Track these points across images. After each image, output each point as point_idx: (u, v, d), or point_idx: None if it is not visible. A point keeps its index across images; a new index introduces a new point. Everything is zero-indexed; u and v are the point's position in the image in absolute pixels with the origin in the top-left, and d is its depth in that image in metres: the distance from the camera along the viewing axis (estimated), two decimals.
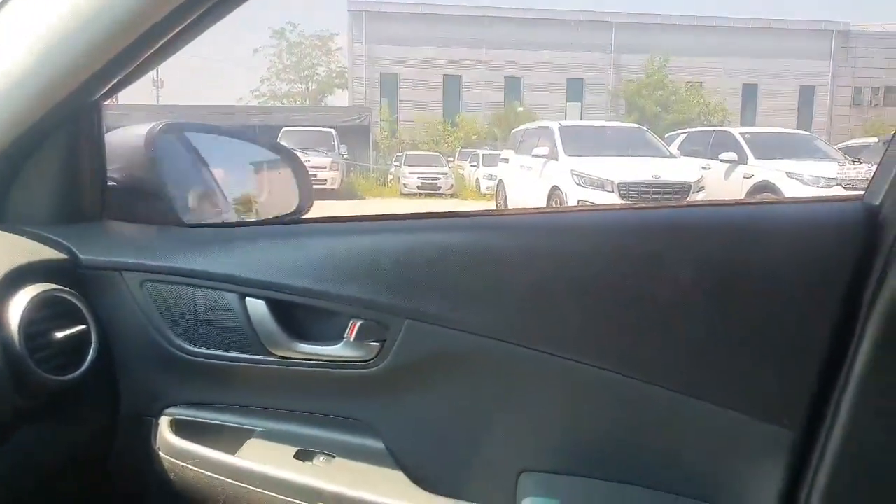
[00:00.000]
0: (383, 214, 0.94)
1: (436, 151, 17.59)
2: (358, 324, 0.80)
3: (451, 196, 13.83)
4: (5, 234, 0.77)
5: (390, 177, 16.10)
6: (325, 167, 11.90)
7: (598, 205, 3.50)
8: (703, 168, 7.90)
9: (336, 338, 0.81)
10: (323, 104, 23.32)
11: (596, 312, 0.78)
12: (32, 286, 0.71)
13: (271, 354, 0.81)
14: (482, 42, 23.12)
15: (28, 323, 0.68)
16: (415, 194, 13.54)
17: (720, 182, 7.93)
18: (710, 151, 8.44)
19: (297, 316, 0.82)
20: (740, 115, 23.50)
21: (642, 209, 0.87)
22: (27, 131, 0.75)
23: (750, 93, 24.38)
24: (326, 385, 0.83)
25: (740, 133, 8.57)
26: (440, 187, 13.96)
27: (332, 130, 14.00)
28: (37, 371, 0.68)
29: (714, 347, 0.77)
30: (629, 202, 6.18)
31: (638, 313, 0.77)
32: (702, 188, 7.26)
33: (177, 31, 0.73)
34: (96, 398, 0.80)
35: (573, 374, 0.78)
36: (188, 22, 0.72)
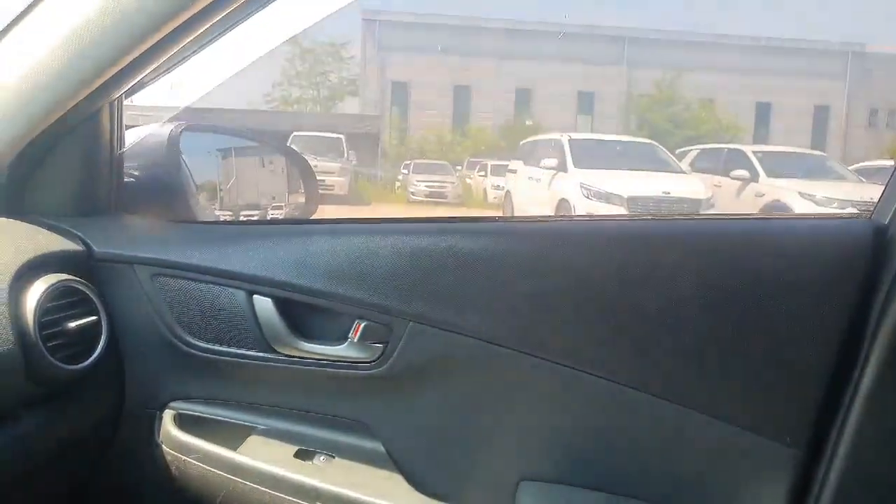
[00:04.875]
0: (391, 217, 0.95)
1: (444, 160, 17.63)
2: (362, 325, 0.80)
3: (459, 205, 13.88)
4: (25, 224, 0.79)
5: (398, 184, 16.15)
6: (334, 173, 11.94)
7: (605, 215, 3.50)
8: (715, 186, 7.88)
9: (340, 338, 0.82)
10: (333, 111, 23.42)
11: (600, 322, 0.78)
12: (48, 276, 0.72)
13: (276, 352, 0.81)
14: (494, 53, 23.19)
15: (43, 311, 0.69)
16: (422, 202, 13.59)
17: (731, 200, 7.91)
18: (721, 169, 8.42)
19: (303, 315, 0.83)
20: (753, 134, 23.40)
21: (649, 220, 0.87)
22: (50, 127, 0.77)
23: (763, 111, 24.30)
24: (329, 385, 0.83)
25: (752, 151, 8.55)
26: (447, 195, 14.03)
27: (342, 137, 14.08)
28: (49, 359, 0.69)
29: (718, 362, 0.76)
30: (637, 214, 6.17)
31: (642, 324, 0.77)
32: (712, 206, 7.24)
33: (194, 35, 0.74)
34: (103, 388, 0.81)
35: (576, 383, 0.78)
36: (205, 27, 0.73)
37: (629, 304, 0.78)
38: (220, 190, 1.24)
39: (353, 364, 0.81)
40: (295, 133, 13.66)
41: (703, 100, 22.45)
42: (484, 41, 23.01)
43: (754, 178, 7.91)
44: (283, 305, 0.81)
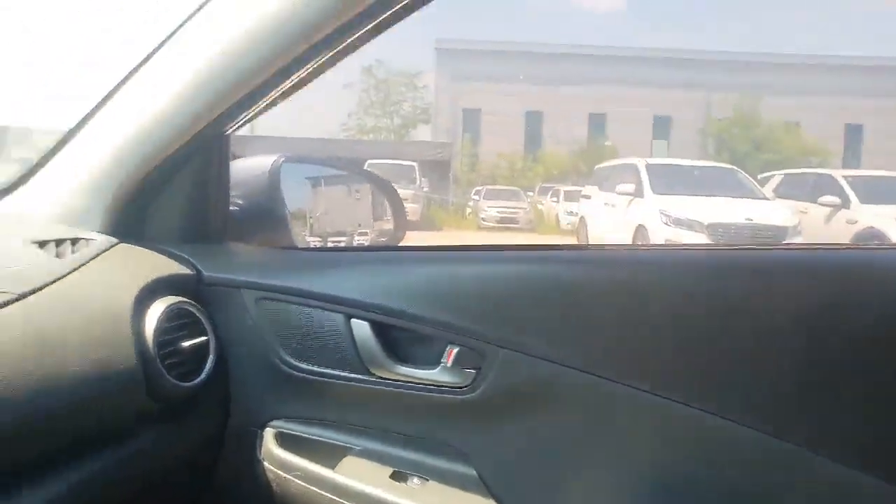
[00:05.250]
0: (482, 245, 0.96)
1: (515, 186, 17.65)
2: (455, 350, 0.82)
3: (530, 231, 13.81)
4: (144, 249, 0.86)
5: (468, 210, 16.28)
6: (407, 199, 12.20)
7: (695, 244, 3.36)
8: (801, 212, 7.48)
9: (434, 362, 0.83)
10: (406, 138, 24.01)
11: (697, 354, 0.76)
12: (164, 298, 0.78)
13: (372, 375, 0.84)
14: (567, 79, 23.15)
15: (161, 331, 0.75)
16: (493, 227, 13.63)
17: (820, 227, 7.47)
18: (808, 195, 7.99)
19: (398, 339, 0.85)
20: (842, 158, 22.12)
21: (740, 250, 0.85)
22: (167, 160, 0.84)
23: (854, 133, 22.97)
24: (422, 408, 0.85)
25: (843, 176, 8.07)
26: (518, 221, 14.01)
27: (414, 164, 14.37)
28: (167, 376, 0.74)
29: (820, 396, 0.73)
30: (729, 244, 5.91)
31: (740, 357, 0.75)
32: (799, 233, 6.87)
33: (301, 73, 0.79)
34: (211, 406, 0.85)
35: (672, 415, 0.76)
36: (313, 64, 0.78)
37: (725, 336, 0.75)
38: (310, 218, 1.30)
39: (446, 388, 0.82)
40: (370, 161, 14.10)
41: (787, 122, 21.46)
42: (556, 67, 23.03)
43: (845, 204, 7.45)
44: (379, 329, 0.84)
